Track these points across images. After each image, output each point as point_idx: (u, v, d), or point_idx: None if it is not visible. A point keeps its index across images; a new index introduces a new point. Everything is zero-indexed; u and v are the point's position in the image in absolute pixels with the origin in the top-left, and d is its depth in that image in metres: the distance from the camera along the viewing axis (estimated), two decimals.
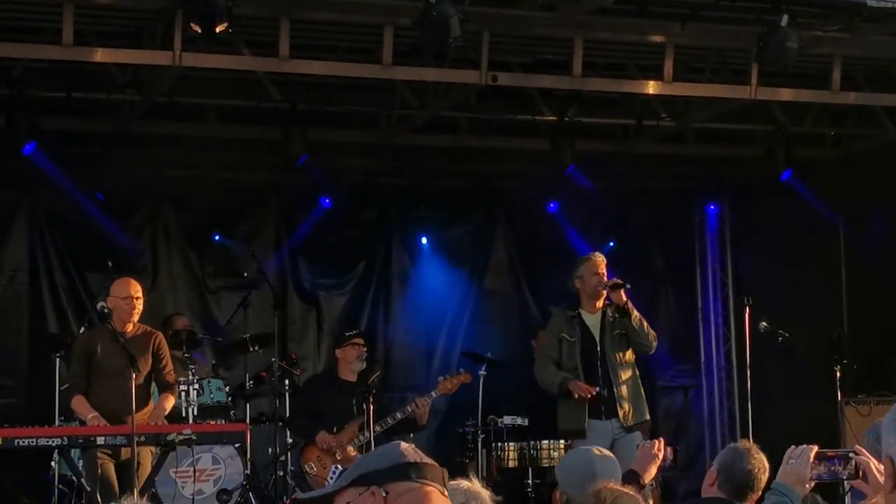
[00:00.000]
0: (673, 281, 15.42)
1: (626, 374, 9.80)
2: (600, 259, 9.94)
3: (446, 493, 2.85)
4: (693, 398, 15.41)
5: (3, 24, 10.19)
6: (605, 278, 9.81)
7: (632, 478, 6.20)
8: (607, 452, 5.56)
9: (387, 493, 2.81)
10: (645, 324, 9.82)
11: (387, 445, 2.98)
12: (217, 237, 13.60)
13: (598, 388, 9.64)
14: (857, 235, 14.21)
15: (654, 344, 9.91)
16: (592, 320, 9.89)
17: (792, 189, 13.75)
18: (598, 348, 9.80)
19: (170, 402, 9.49)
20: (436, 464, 2.88)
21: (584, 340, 9.86)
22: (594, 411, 9.72)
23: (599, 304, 9.87)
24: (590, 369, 9.78)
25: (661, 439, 6.61)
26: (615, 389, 9.71)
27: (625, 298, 9.74)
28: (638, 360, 10.07)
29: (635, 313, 9.76)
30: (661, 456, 6.45)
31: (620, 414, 9.69)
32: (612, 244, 14.80)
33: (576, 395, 9.63)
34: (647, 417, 9.91)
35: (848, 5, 10.00)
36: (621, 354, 9.82)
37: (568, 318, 10.02)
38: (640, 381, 9.98)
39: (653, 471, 6.39)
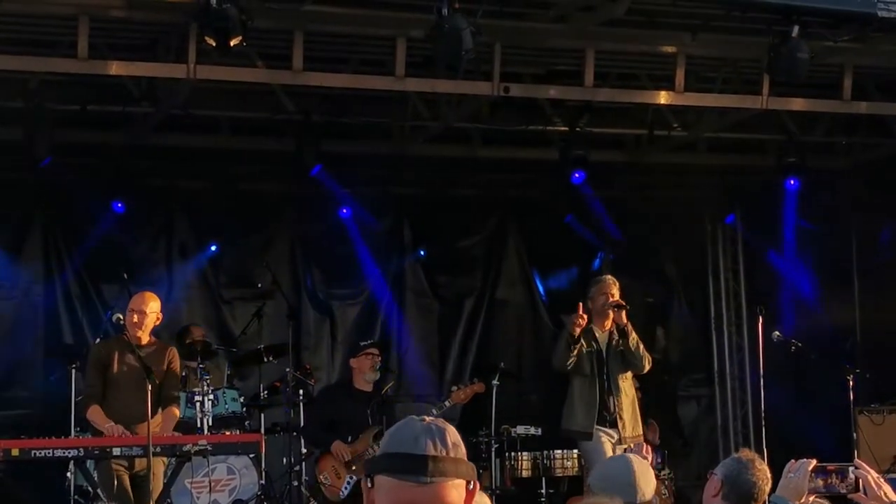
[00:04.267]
0: (685, 290, 15.44)
1: (625, 391, 10.43)
2: (610, 281, 10.53)
3: (428, 479, 2.73)
4: (706, 407, 15.42)
5: (19, 38, 10.27)
6: (613, 299, 10.38)
7: None
8: (643, 461, 5.60)
9: (372, 484, 2.78)
10: (641, 347, 10.43)
11: (397, 425, 2.87)
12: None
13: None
14: (868, 244, 14.22)
15: (647, 367, 10.52)
16: (601, 337, 10.46)
17: (803, 198, 13.78)
18: (605, 363, 10.39)
19: (174, 416, 9.51)
20: (419, 451, 2.76)
21: (596, 352, 10.43)
22: (600, 419, 10.30)
23: (608, 324, 10.45)
24: (596, 379, 10.37)
25: (648, 445, 6.89)
26: (616, 403, 10.32)
27: (625, 320, 10.36)
28: (657, 368, 10.67)
29: (633, 335, 10.37)
30: (650, 458, 6.63)
31: (620, 426, 10.28)
32: (612, 257, 14.86)
33: (575, 322, 10.29)
34: (640, 433, 10.50)
35: (858, 15, 10.02)
36: (623, 372, 10.44)
37: (585, 331, 10.55)
38: (636, 399, 10.65)
39: None
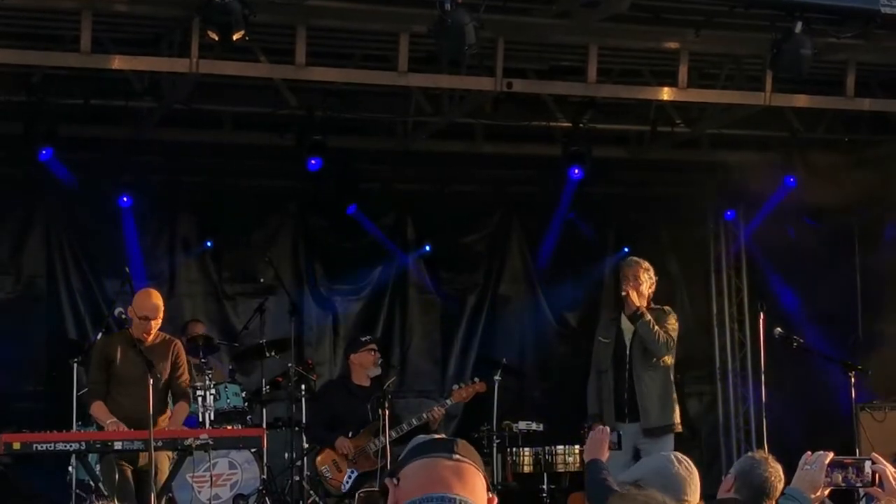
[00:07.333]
0: (687, 287, 15.42)
1: (651, 378, 9.88)
2: (625, 264, 10.08)
3: (457, 456, 2.84)
4: (708, 404, 15.41)
5: (22, 32, 10.28)
6: (630, 282, 9.89)
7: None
8: (685, 459, 5.52)
9: (398, 480, 2.86)
10: (654, 329, 9.82)
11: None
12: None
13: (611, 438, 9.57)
14: (871, 241, 14.21)
15: (663, 350, 9.87)
16: (627, 324, 10.02)
17: (805, 194, 13.77)
18: (628, 352, 9.94)
19: (185, 410, 9.54)
20: (443, 436, 2.95)
21: (617, 343, 10.02)
22: (620, 414, 9.85)
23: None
24: (618, 371, 9.96)
25: (605, 426, 6.84)
26: (637, 392, 9.82)
27: (635, 305, 9.85)
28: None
29: (645, 318, 9.82)
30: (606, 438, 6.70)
31: (642, 417, 9.79)
32: (626, 250, 14.86)
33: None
34: (674, 422, 9.87)
35: (861, 12, 10.02)
36: (647, 359, 9.90)
37: (608, 321, 10.31)
38: (672, 385, 10.00)
39: (606, 453, 6.58)
